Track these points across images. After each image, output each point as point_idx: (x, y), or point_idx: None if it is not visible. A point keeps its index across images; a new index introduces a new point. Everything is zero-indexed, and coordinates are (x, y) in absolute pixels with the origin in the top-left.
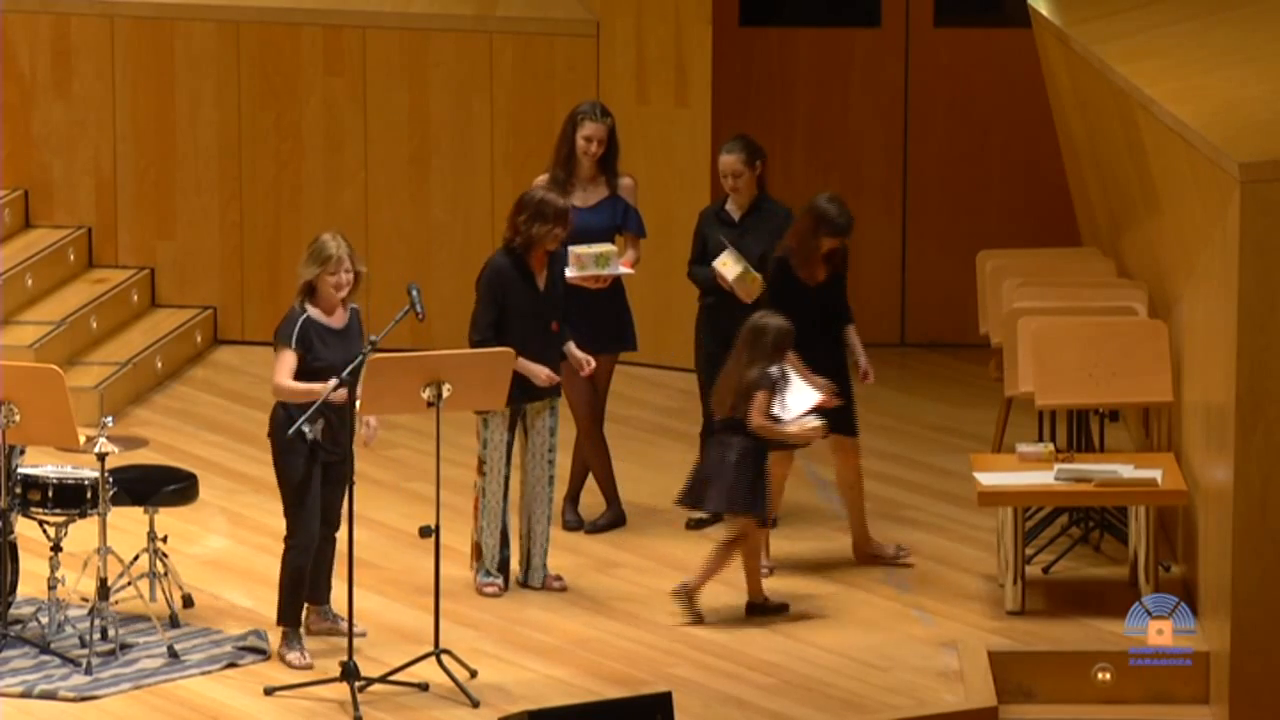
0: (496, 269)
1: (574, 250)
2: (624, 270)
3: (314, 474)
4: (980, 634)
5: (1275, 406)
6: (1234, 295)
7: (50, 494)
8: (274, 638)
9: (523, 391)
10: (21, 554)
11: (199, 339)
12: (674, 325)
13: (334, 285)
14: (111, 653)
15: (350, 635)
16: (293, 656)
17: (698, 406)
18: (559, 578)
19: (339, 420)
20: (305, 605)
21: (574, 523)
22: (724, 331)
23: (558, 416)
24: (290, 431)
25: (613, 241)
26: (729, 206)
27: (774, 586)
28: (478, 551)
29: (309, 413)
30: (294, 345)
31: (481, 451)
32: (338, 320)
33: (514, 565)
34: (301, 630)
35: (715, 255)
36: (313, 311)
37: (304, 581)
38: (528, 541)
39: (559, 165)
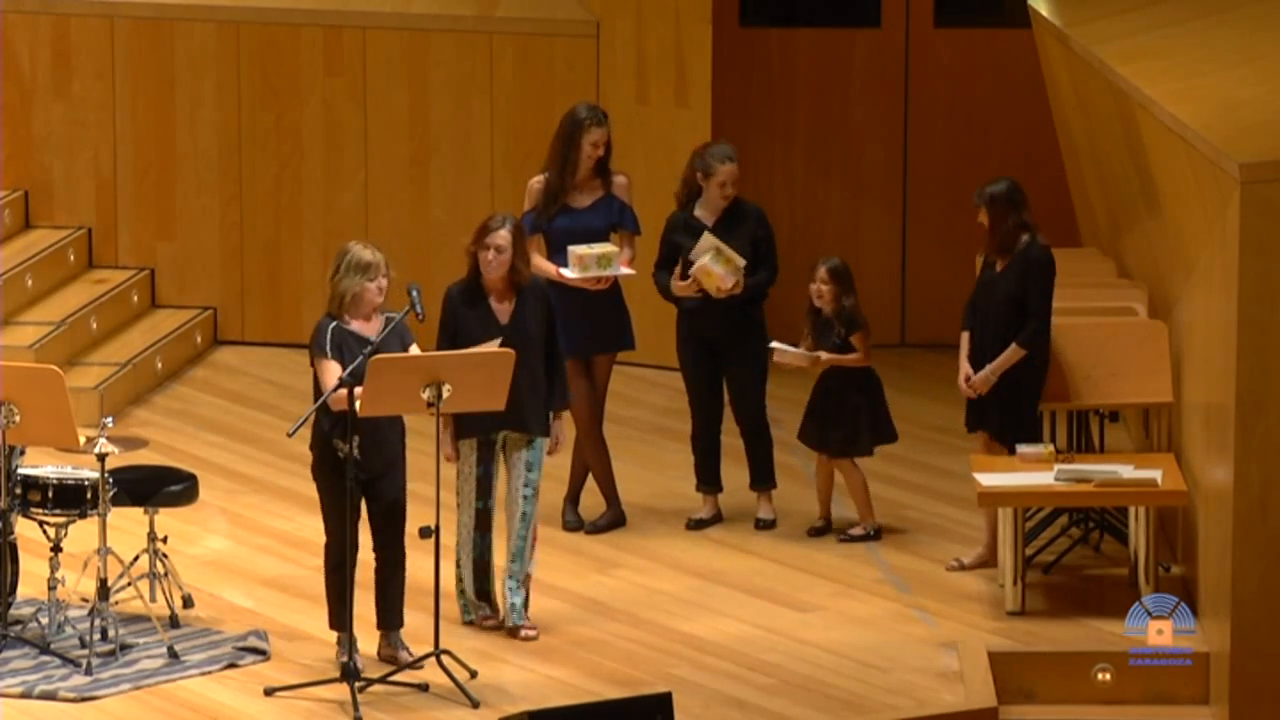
0: (445, 299)
1: (575, 251)
2: (625, 271)
3: (345, 490)
4: (980, 634)
5: (1275, 406)
6: (1234, 295)
7: (50, 494)
8: (276, 639)
9: (498, 419)
10: (21, 554)
11: (199, 339)
12: (673, 325)
13: (376, 290)
14: (111, 653)
15: (353, 640)
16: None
17: None
18: (532, 627)
19: (372, 438)
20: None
21: (574, 523)
22: (703, 332)
23: (539, 453)
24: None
25: (609, 240)
26: (699, 212)
27: (769, 587)
28: (460, 586)
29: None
30: (329, 353)
31: (456, 481)
32: (371, 329)
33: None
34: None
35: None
36: (345, 321)
37: (342, 589)
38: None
39: (567, 172)
